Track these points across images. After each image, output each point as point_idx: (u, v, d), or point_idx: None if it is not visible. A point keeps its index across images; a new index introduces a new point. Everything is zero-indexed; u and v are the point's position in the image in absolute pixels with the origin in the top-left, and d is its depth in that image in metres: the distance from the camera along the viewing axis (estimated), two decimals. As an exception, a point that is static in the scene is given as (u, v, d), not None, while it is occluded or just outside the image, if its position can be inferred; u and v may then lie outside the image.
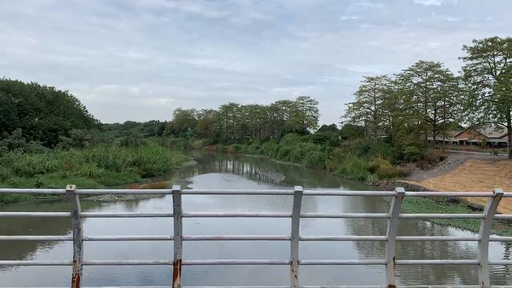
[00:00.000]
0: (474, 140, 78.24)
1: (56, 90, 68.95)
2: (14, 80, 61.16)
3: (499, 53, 44.16)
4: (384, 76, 75.75)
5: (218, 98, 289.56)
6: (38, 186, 38.69)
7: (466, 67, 48.13)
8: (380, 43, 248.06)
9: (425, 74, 62.10)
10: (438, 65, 60.63)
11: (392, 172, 54.78)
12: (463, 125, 51.35)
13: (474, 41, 45.29)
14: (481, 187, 40.89)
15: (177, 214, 5.99)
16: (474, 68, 47.32)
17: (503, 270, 18.90)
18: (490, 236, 6.45)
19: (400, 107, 64.62)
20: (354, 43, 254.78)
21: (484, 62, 46.28)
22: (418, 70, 62.44)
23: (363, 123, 79.71)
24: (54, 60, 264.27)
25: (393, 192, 6.01)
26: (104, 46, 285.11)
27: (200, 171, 69.80)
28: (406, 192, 6.00)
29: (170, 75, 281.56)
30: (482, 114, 45.66)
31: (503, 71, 42.91)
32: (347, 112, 78.47)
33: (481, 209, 35.12)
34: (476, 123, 46.68)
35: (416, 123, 60.24)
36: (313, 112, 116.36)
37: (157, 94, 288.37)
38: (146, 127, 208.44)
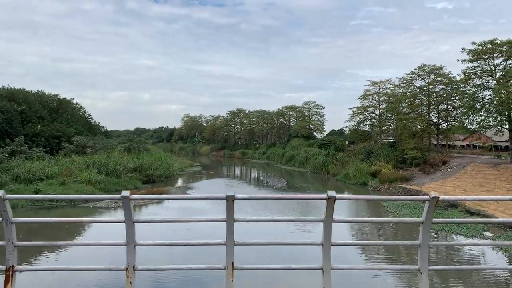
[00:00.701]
0: (481, 144, 77.32)
1: (61, 98, 69.84)
2: (18, 88, 62.18)
3: (499, 55, 43.55)
4: (388, 80, 75.27)
5: (227, 104, 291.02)
6: (36, 192, 39.05)
7: (466, 69, 47.59)
8: (391, 47, 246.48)
9: (427, 77, 61.56)
10: (440, 68, 60.07)
11: (394, 177, 54.20)
12: (470, 127, 50.19)
13: (474, 43, 44.80)
14: (481, 191, 40.26)
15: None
16: (473, 71, 46.73)
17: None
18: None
19: (403, 111, 64.06)
20: (364, 48, 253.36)
21: (484, 65, 45.70)
22: (420, 73, 61.90)
23: (368, 127, 79.04)
24: (67, 68, 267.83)
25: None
26: (116, 54, 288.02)
27: (203, 177, 69.86)
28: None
29: (180, 81, 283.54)
30: (482, 117, 45.03)
31: (503, 73, 42.24)
32: (351, 116, 78.12)
33: (478, 214, 34.58)
34: (476, 126, 46.03)
35: (419, 127, 59.61)
36: (319, 117, 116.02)
37: (167, 101, 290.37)
38: (156, 134, 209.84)
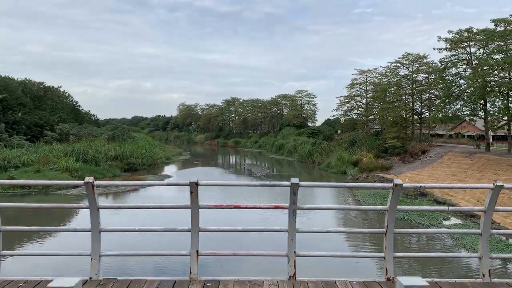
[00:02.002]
0: (469, 133, 77.21)
1: (46, 86, 69.84)
2: (2, 76, 62.07)
3: (475, 44, 43.14)
4: (375, 69, 74.86)
5: (230, 93, 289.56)
6: (8, 180, 39.23)
7: (444, 58, 47.22)
8: (394, 36, 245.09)
9: (411, 66, 61.21)
10: (424, 56, 59.68)
11: (374, 166, 54.26)
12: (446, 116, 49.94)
13: (450, 31, 44.34)
14: (452, 180, 40.27)
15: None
16: (449, 59, 46.38)
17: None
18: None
19: (388, 99, 63.79)
20: (367, 36, 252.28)
21: (461, 54, 45.32)
22: (404, 62, 61.55)
23: (355, 116, 78.85)
24: (69, 57, 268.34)
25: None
26: (118, 42, 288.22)
27: (188, 165, 69.97)
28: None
29: (183, 70, 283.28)
30: (458, 106, 44.84)
31: (476, 62, 41.85)
32: (338, 105, 77.92)
33: (444, 203, 34.67)
34: (450, 115, 45.81)
35: (402, 116, 59.40)
36: (311, 106, 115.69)
37: (170, 89, 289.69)
38: (152, 122, 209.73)
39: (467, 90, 41.41)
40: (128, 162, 57.14)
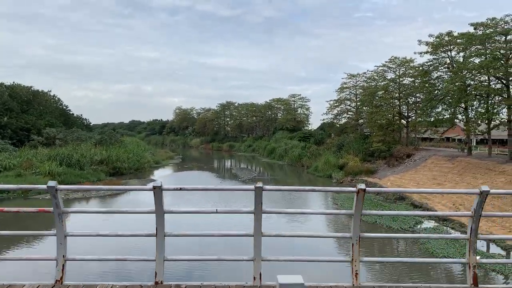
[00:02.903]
0: (459, 137, 76.99)
1: (34, 90, 69.84)
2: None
3: (455, 48, 43.01)
4: (364, 73, 74.80)
5: (230, 96, 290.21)
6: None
7: (426, 62, 47.16)
8: (394, 39, 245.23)
9: (398, 69, 61.17)
10: (411, 60, 59.60)
11: (359, 170, 54.19)
12: (428, 120, 49.81)
13: (431, 35, 44.25)
14: (432, 184, 40.20)
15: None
16: (431, 63, 46.31)
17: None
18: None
19: (376, 103, 63.69)
20: (368, 40, 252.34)
21: (442, 58, 45.20)
22: (391, 66, 61.52)
23: (345, 120, 78.81)
24: (70, 60, 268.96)
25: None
26: (119, 46, 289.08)
27: (176, 169, 69.91)
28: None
29: (183, 73, 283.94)
30: (439, 110, 44.70)
31: (455, 66, 41.70)
32: (327, 109, 77.83)
33: (421, 206, 34.58)
34: (431, 119, 45.67)
35: (387, 119, 59.27)
36: (304, 110, 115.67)
37: (170, 93, 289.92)
38: (149, 126, 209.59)
39: (445, 93, 41.28)
40: (114, 166, 57.12)
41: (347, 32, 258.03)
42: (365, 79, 72.04)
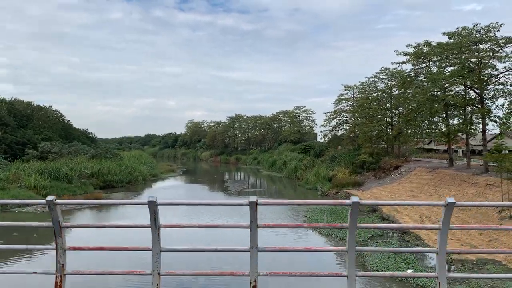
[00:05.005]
0: (455, 148, 75.31)
1: (34, 105, 71.87)
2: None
3: (433, 57, 42.17)
4: (362, 84, 74.12)
5: (251, 110, 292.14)
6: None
7: (405, 72, 46.43)
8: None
9: (390, 80, 60.50)
10: (401, 71, 58.82)
11: (346, 182, 53.53)
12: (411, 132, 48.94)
13: (409, 45, 43.47)
14: (407, 196, 39.46)
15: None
16: (407, 74, 45.62)
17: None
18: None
19: (370, 114, 62.99)
20: (390, 51, 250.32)
21: (421, 69, 44.41)
22: (382, 76, 60.93)
23: (342, 132, 78.14)
24: (93, 77, 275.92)
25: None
26: (141, 62, 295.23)
27: (171, 182, 70.48)
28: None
29: (205, 88, 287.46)
30: (417, 122, 43.78)
31: (427, 76, 40.91)
32: (325, 121, 77.31)
33: (388, 219, 33.94)
34: (416, 131, 44.82)
35: (378, 131, 58.51)
36: (309, 122, 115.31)
37: (192, 107, 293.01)
38: (163, 139, 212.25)
39: (418, 105, 40.59)
40: (104, 179, 58.00)
41: (369, 44, 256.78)
42: (358, 90, 71.45)
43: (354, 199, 5.70)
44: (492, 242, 24.86)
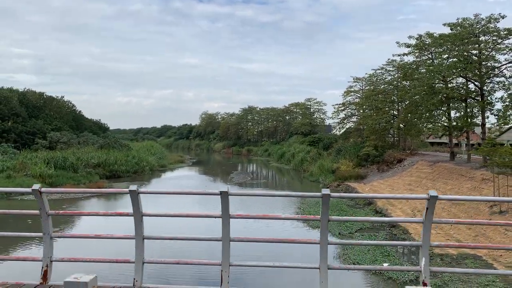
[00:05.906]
0: (456, 142, 74.17)
1: (45, 96, 73.30)
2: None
3: (435, 49, 41.35)
4: (369, 76, 73.30)
5: (269, 102, 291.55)
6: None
7: (405, 64, 45.74)
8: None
9: (396, 72, 59.69)
10: (405, 63, 57.93)
11: (349, 174, 53.27)
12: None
13: (411, 37, 42.75)
14: (404, 189, 39.12)
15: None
16: (409, 66, 44.88)
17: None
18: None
19: (378, 106, 62.29)
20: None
21: (422, 61, 43.55)
22: (389, 68, 60.17)
23: (349, 125, 77.58)
24: (114, 68, 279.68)
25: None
26: (161, 53, 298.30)
27: (178, 172, 71.21)
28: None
29: (223, 79, 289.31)
30: (417, 115, 43.10)
31: (427, 67, 40.18)
32: (333, 113, 76.84)
33: (381, 212, 33.73)
34: (418, 123, 44.11)
35: (383, 123, 57.88)
36: (321, 114, 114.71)
37: (210, 98, 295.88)
38: (179, 130, 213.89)
39: (415, 96, 39.96)
40: (110, 169, 58.97)
41: (389, 36, 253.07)
42: (366, 82, 70.72)
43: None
44: (478, 237, 24.53)
